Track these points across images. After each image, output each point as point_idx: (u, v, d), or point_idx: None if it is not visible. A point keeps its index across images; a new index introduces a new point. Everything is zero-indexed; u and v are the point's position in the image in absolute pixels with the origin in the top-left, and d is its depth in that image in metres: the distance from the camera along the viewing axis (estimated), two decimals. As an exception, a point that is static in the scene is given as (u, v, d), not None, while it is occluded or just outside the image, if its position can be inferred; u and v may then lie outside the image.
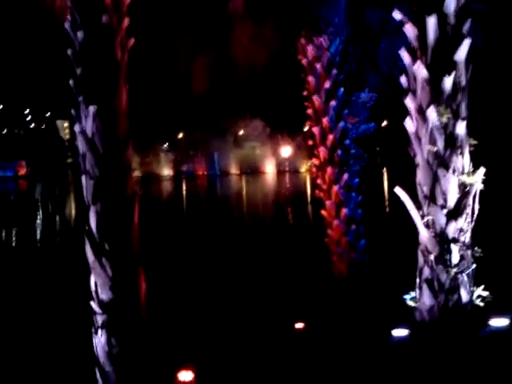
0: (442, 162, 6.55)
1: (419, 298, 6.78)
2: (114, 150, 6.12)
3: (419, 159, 6.78)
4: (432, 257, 6.60)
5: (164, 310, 9.28)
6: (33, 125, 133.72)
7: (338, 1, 10.29)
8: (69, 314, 10.30)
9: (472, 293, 6.59)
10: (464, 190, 6.56)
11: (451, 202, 6.54)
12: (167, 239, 20.72)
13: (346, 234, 10.45)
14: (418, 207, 6.76)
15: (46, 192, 58.87)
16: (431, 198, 6.63)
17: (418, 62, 6.62)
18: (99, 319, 6.08)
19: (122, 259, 6.07)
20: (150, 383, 6.05)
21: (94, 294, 6.12)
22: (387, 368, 6.34)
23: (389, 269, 11.04)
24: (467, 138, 6.68)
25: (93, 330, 6.15)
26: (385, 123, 63.11)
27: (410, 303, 6.99)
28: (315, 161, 10.90)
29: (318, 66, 10.58)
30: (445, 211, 6.55)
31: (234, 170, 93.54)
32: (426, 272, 6.68)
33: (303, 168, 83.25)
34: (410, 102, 6.82)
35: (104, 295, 6.06)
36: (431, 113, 6.49)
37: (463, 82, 6.66)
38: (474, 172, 6.60)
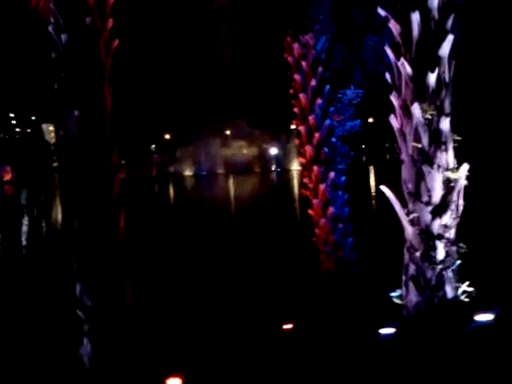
0: (426, 158, 6.59)
1: (405, 295, 6.81)
2: (99, 153, 6.09)
3: (404, 156, 6.82)
4: (417, 254, 6.64)
5: (150, 314, 9.24)
6: (18, 129, 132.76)
7: (322, -2, 10.32)
8: (54, 322, 10.21)
9: (457, 289, 6.64)
10: (449, 186, 6.60)
11: (436, 198, 6.58)
12: (153, 240, 20.65)
13: (333, 232, 10.46)
14: (404, 204, 6.80)
15: (32, 197, 58.41)
16: (416, 195, 6.66)
17: (402, 59, 6.66)
18: (85, 327, 6.03)
19: (107, 266, 6.02)
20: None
21: (79, 301, 6.06)
22: (375, 366, 6.36)
23: (376, 267, 11.08)
24: (451, 134, 6.72)
25: (79, 339, 6.09)
26: (371, 120, 63.42)
27: (397, 301, 7.03)
28: (302, 159, 10.91)
29: (304, 63, 10.59)
30: (430, 208, 6.58)
31: (221, 169, 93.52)
32: (412, 269, 6.71)
33: (292, 167, 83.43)
34: (394, 99, 6.85)
35: (89, 303, 6.00)
36: (415, 109, 6.52)
37: (447, 79, 6.70)
38: (458, 168, 6.64)
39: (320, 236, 10.59)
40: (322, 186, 10.47)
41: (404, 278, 6.86)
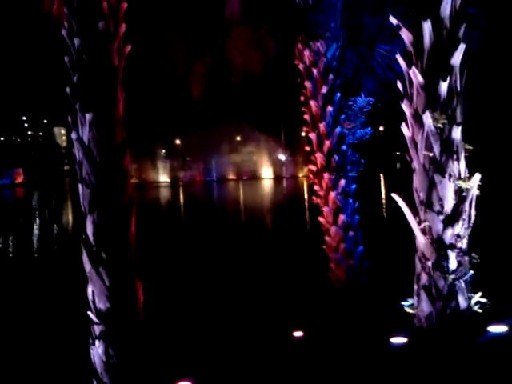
0: (438, 167, 6.55)
1: (417, 305, 6.75)
2: (110, 157, 6.10)
3: (415, 164, 6.78)
4: (429, 263, 6.58)
5: (162, 319, 9.24)
6: (30, 132, 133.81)
7: (334, 6, 10.30)
8: (66, 323, 10.24)
9: (470, 299, 6.57)
10: (460, 195, 6.55)
11: (448, 207, 6.53)
12: (165, 247, 20.67)
13: (343, 240, 10.41)
14: (415, 213, 6.75)
15: (43, 200, 58.74)
16: (428, 204, 6.62)
17: (414, 67, 6.63)
18: (96, 329, 6.04)
19: (119, 268, 6.03)
20: (147, 393, 6.01)
21: (91, 303, 6.07)
22: (386, 376, 6.31)
23: (387, 275, 11.02)
24: (463, 144, 6.68)
25: (90, 341, 6.10)
26: (382, 128, 63.28)
27: (408, 310, 6.97)
28: (312, 167, 10.88)
29: (315, 71, 10.58)
30: (441, 217, 6.53)
31: (231, 175, 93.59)
32: (424, 278, 6.66)
33: (301, 173, 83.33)
34: (405, 107, 6.82)
35: (101, 305, 6.02)
36: (427, 118, 6.49)
37: (458, 88, 6.67)
38: (470, 177, 6.59)
39: (330, 244, 10.54)
40: (332, 194, 10.44)
41: (416, 287, 6.81)
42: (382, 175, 57.51)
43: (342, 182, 10.45)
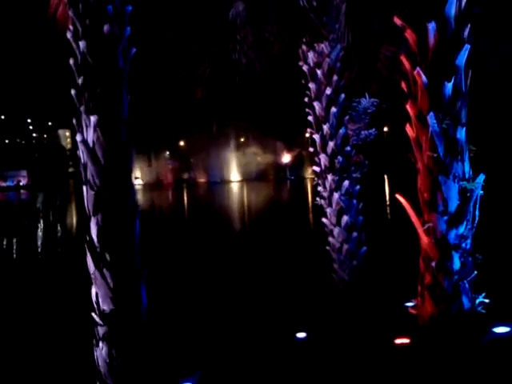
0: (442, 167, 6.56)
1: (421, 306, 6.76)
2: (115, 159, 6.12)
3: (420, 165, 6.79)
4: (433, 264, 6.59)
5: (166, 320, 9.26)
6: (35, 134, 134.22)
7: (339, 7, 10.31)
8: (70, 325, 10.28)
9: (474, 300, 6.58)
10: (465, 196, 6.56)
11: (452, 208, 6.54)
12: (168, 247, 20.71)
13: (347, 241, 10.41)
14: (419, 214, 6.76)
15: (48, 202, 58.87)
16: (432, 205, 6.63)
17: (418, 68, 6.64)
18: (100, 331, 6.05)
19: (123, 270, 6.04)
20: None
21: (95, 305, 6.09)
22: (390, 376, 6.31)
23: (390, 276, 11.01)
24: (467, 144, 6.68)
25: (94, 342, 6.12)
26: (386, 129, 63.20)
27: (412, 310, 6.97)
28: (316, 168, 10.88)
29: (319, 72, 10.58)
30: (445, 218, 6.54)
31: (235, 177, 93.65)
32: (428, 279, 6.67)
33: (304, 175, 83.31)
34: (410, 108, 6.83)
35: (105, 306, 6.03)
36: (431, 119, 6.50)
37: (463, 88, 6.67)
38: (474, 178, 6.60)
39: (334, 245, 10.54)
40: (336, 195, 10.44)
41: (419, 287, 6.82)
42: (386, 176, 57.42)
43: (346, 183, 10.45)
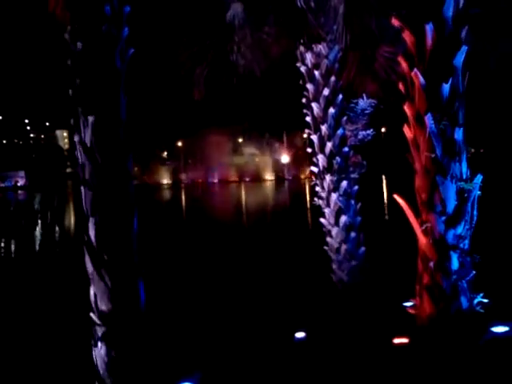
0: (440, 168, 6.57)
1: (419, 305, 6.77)
2: (113, 159, 6.12)
3: (417, 166, 6.80)
4: (431, 264, 6.60)
5: (164, 320, 9.25)
6: (32, 135, 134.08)
7: (336, 8, 10.31)
8: (68, 325, 10.27)
9: (472, 300, 6.59)
10: (462, 196, 6.57)
11: (450, 208, 6.55)
12: (167, 247, 20.70)
13: (345, 241, 10.42)
14: (417, 214, 6.77)
15: (45, 203, 58.81)
16: (430, 205, 6.63)
17: (416, 69, 6.65)
18: (99, 331, 6.05)
19: (121, 270, 6.04)
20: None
21: (93, 305, 6.09)
22: (389, 375, 6.31)
23: (389, 276, 11.02)
24: (465, 145, 6.70)
25: (92, 342, 6.12)
26: (383, 130, 63.24)
27: (411, 310, 6.98)
28: (314, 168, 10.89)
29: (317, 73, 10.59)
30: (443, 218, 6.55)
31: (233, 177, 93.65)
32: (426, 279, 6.67)
33: (302, 175, 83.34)
34: (407, 109, 6.85)
35: (103, 306, 6.03)
36: (429, 119, 6.51)
37: (461, 89, 6.68)
38: (471, 178, 6.61)
39: (332, 245, 10.54)
40: (334, 195, 10.44)
41: (418, 287, 6.82)
42: (384, 177, 57.47)
43: (344, 183, 10.46)
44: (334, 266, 10.52)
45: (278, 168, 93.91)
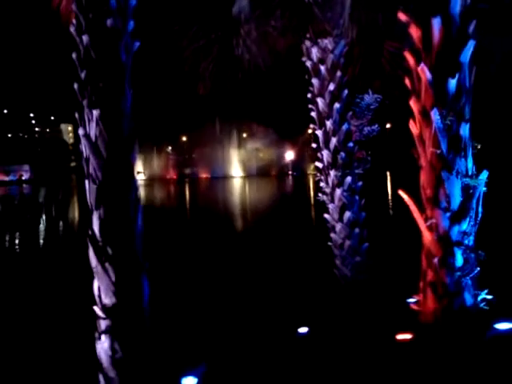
0: (445, 164, 6.54)
1: (423, 302, 6.76)
2: (117, 153, 6.12)
3: (423, 161, 6.78)
4: (436, 260, 6.58)
5: (168, 314, 9.27)
6: (37, 129, 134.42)
7: (343, 2, 10.26)
8: (72, 318, 10.30)
9: (476, 296, 6.57)
10: (468, 192, 6.54)
11: (455, 204, 6.53)
12: (171, 242, 20.73)
13: (349, 237, 10.40)
14: (422, 210, 6.75)
15: (50, 196, 58.96)
16: (434, 201, 6.61)
17: (422, 64, 6.62)
18: (102, 324, 6.07)
19: (125, 264, 6.06)
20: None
21: (97, 298, 6.11)
22: (392, 371, 6.31)
23: (393, 272, 11.01)
24: (471, 141, 6.67)
25: (96, 335, 6.14)
26: (389, 125, 63.10)
27: (414, 307, 6.97)
28: (318, 164, 10.87)
29: (323, 68, 10.55)
30: (448, 214, 6.53)
31: (237, 172, 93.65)
32: (430, 275, 6.66)
33: (307, 170, 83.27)
34: (413, 104, 6.81)
35: (107, 300, 6.05)
36: (435, 115, 6.48)
37: (467, 84, 6.65)
38: (477, 175, 6.58)
39: (336, 241, 10.53)
40: (338, 191, 10.42)
41: (422, 284, 6.81)
42: (388, 172, 57.37)
43: (349, 179, 10.43)
44: (337, 261, 10.51)
45: (282, 163, 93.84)
